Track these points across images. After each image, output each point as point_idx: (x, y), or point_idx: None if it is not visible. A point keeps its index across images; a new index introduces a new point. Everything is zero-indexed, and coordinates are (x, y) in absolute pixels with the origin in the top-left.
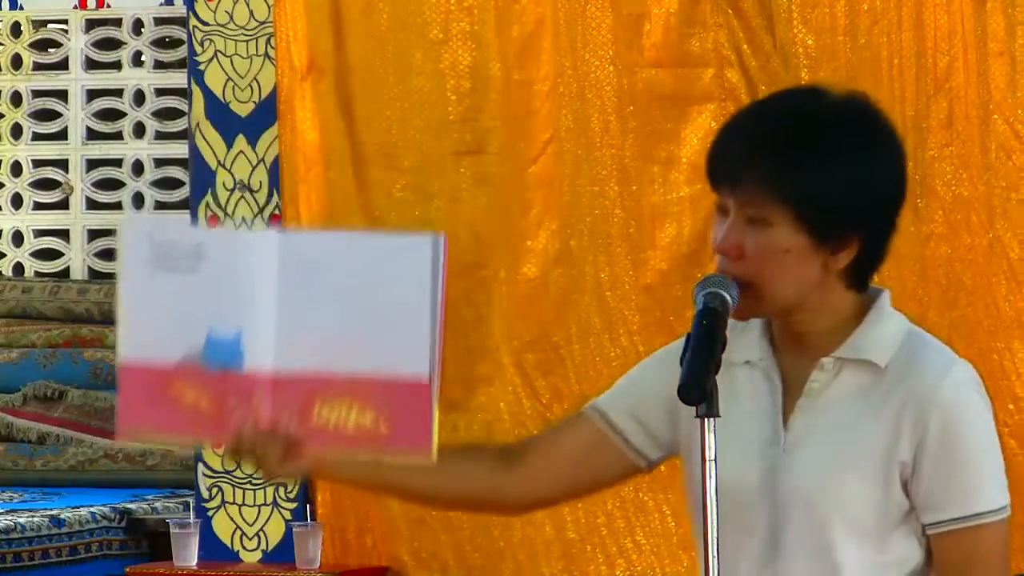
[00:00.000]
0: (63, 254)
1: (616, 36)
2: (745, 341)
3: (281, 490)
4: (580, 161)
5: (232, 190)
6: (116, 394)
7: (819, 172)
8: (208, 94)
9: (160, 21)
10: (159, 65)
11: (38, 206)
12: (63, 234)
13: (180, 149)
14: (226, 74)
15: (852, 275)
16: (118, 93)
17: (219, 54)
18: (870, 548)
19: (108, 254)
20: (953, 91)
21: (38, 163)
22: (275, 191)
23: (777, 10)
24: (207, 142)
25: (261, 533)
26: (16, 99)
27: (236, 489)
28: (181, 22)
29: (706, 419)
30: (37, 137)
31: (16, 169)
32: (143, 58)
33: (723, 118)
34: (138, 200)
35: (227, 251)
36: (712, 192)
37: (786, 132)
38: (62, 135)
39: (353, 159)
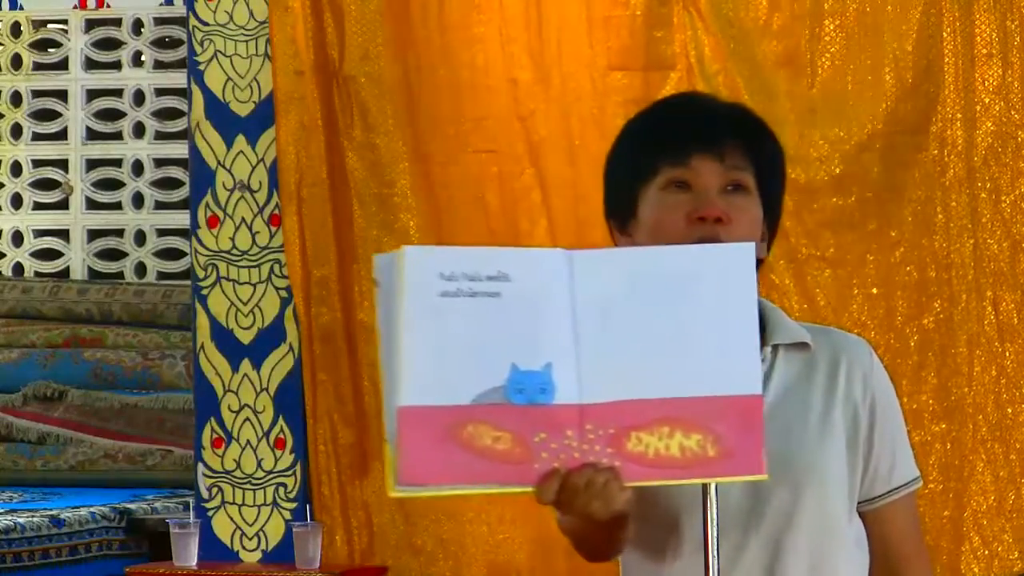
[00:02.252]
0: (63, 254)
1: (587, 38)
2: None
3: (281, 490)
4: (557, 163)
5: (232, 190)
6: (396, 443)
7: (771, 146)
8: (208, 94)
9: (160, 21)
10: (159, 65)
11: (38, 206)
12: (63, 234)
13: (180, 149)
14: (226, 74)
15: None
16: (118, 93)
17: (219, 54)
18: (844, 519)
19: (108, 254)
20: (930, 94)
21: (38, 163)
22: (275, 191)
23: (739, 14)
24: (207, 142)
25: (261, 533)
26: (16, 99)
27: (236, 489)
28: (181, 22)
29: None
30: (37, 137)
31: (16, 169)
32: (143, 58)
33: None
34: (138, 200)
35: (527, 272)
36: (659, 168)
37: (745, 112)
38: (62, 135)
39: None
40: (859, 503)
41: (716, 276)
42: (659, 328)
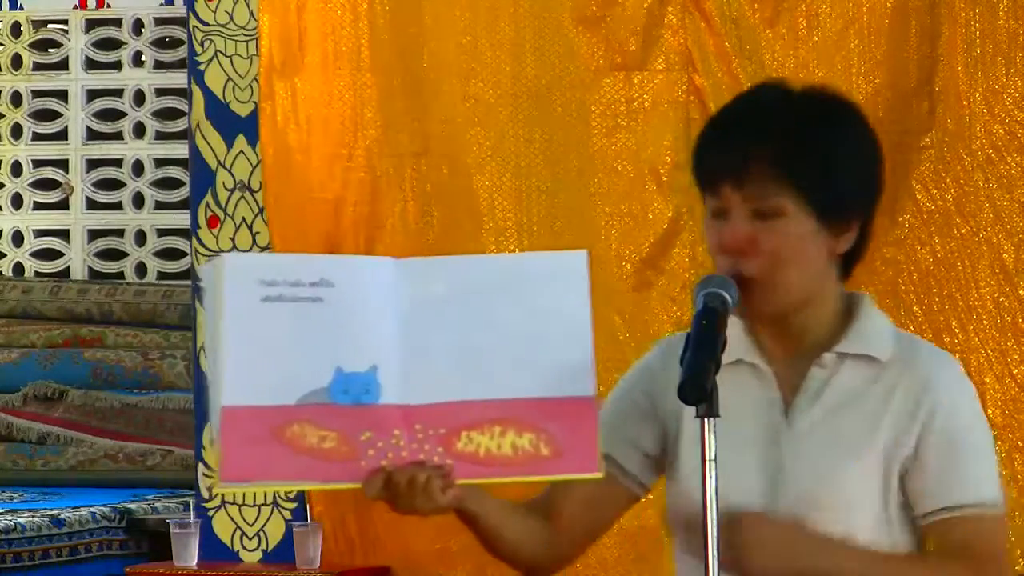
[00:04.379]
0: (63, 254)
1: (579, 37)
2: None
3: (281, 490)
4: (543, 165)
5: (232, 190)
6: (220, 441)
7: (822, 152)
8: (208, 94)
9: (160, 21)
10: (159, 65)
11: (38, 206)
12: (63, 234)
13: (180, 149)
14: (226, 74)
15: (844, 264)
16: (118, 93)
17: (219, 54)
18: (873, 542)
19: (108, 254)
20: (932, 94)
21: (38, 163)
22: None
23: (743, 12)
24: (207, 142)
25: (261, 533)
26: (16, 99)
27: None
28: (181, 22)
29: (706, 419)
30: (37, 137)
31: (16, 169)
32: (143, 58)
33: (688, 122)
34: (138, 200)
35: (350, 279)
36: (706, 197)
37: (782, 117)
38: (62, 135)
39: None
40: (916, 517)
41: (547, 283)
42: (490, 333)
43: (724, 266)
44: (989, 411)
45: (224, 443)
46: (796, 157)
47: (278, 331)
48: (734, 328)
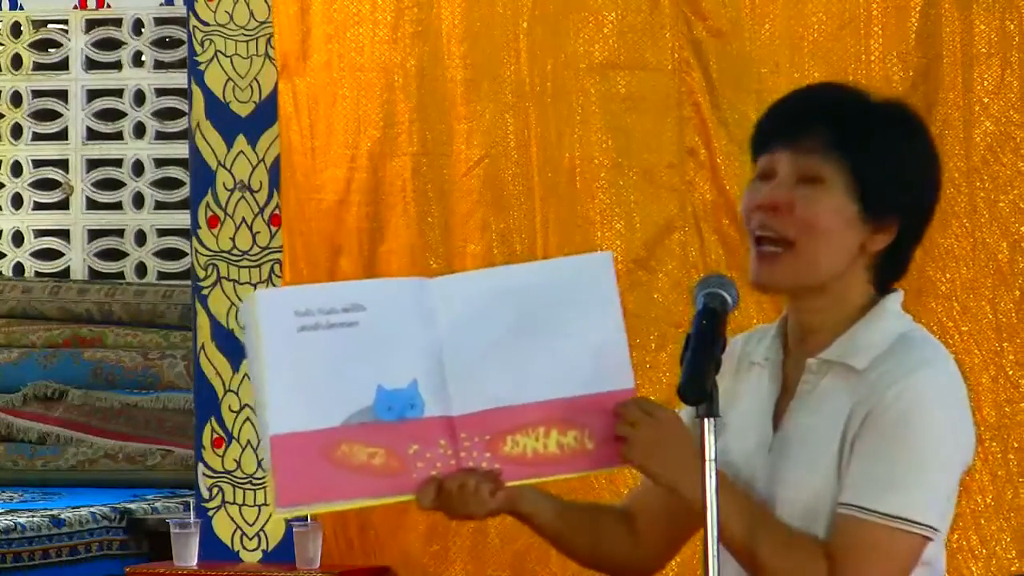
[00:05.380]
0: (63, 254)
1: (576, 36)
2: (764, 341)
3: None
4: (537, 163)
5: (232, 190)
6: (272, 470)
7: (880, 142)
8: (208, 94)
9: (160, 21)
10: (159, 65)
11: (38, 206)
12: (63, 234)
13: (180, 149)
14: (226, 74)
15: (879, 270)
16: (118, 93)
17: (219, 54)
18: None
19: (108, 254)
20: (929, 94)
21: (38, 163)
22: (275, 191)
23: (738, 11)
24: (207, 142)
25: (261, 533)
26: (16, 99)
27: (236, 489)
28: (181, 22)
29: (706, 419)
30: (37, 137)
31: (16, 169)
32: (143, 58)
33: (682, 122)
34: (138, 200)
35: (381, 300)
36: (757, 161)
37: (853, 101)
38: (62, 135)
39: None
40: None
41: (577, 285)
42: (524, 338)
43: (754, 223)
44: (984, 411)
45: (277, 470)
46: (853, 137)
47: (317, 357)
48: (771, 329)
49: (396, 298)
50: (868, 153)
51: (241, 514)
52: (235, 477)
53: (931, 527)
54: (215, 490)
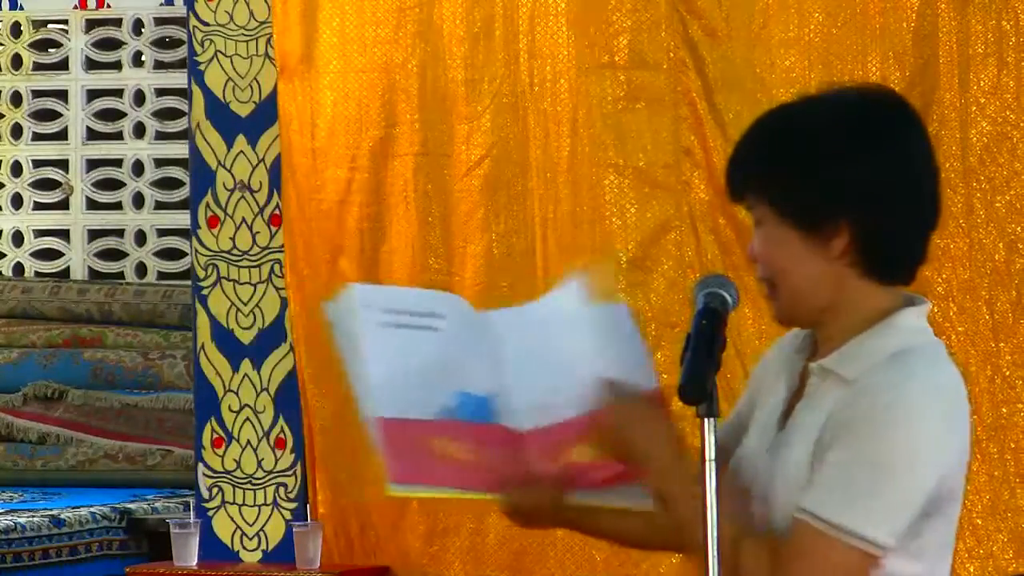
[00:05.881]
0: (63, 254)
1: (572, 37)
2: (797, 340)
3: (281, 490)
4: (537, 163)
5: (232, 190)
6: (381, 448)
7: (785, 158)
8: (208, 94)
9: (160, 21)
10: (159, 65)
11: (38, 206)
12: (63, 234)
13: (180, 149)
14: (226, 74)
15: (864, 264)
16: (118, 93)
17: (219, 54)
18: None
19: (108, 254)
20: (926, 94)
21: (38, 163)
22: (275, 191)
23: (735, 11)
24: (207, 142)
25: (261, 533)
26: (16, 99)
27: (236, 489)
28: (181, 22)
29: (706, 419)
30: (37, 137)
31: (16, 169)
32: (143, 58)
33: (678, 122)
34: (138, 200)
35: (453, 313)
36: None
37: (774, 128)
38: (62, 135)
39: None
40: None
41: (608, 335)
42: (569, 359)
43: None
44: (981, 412)
45: (387, 450)
46: (763, 169)
47: (408, 353)
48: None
49: (467, 315)
50: (779, 176)
51: (241, 514)
52: (235, 477)
53: (875, 543)
54: (215, 490)
